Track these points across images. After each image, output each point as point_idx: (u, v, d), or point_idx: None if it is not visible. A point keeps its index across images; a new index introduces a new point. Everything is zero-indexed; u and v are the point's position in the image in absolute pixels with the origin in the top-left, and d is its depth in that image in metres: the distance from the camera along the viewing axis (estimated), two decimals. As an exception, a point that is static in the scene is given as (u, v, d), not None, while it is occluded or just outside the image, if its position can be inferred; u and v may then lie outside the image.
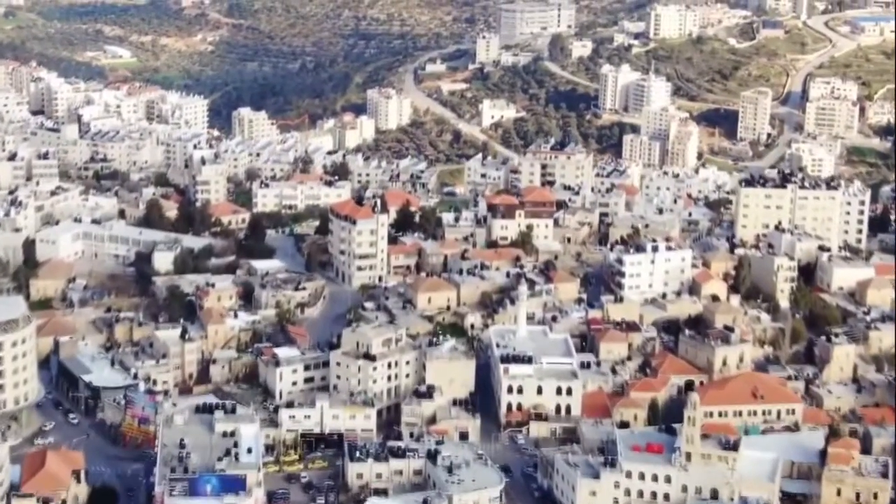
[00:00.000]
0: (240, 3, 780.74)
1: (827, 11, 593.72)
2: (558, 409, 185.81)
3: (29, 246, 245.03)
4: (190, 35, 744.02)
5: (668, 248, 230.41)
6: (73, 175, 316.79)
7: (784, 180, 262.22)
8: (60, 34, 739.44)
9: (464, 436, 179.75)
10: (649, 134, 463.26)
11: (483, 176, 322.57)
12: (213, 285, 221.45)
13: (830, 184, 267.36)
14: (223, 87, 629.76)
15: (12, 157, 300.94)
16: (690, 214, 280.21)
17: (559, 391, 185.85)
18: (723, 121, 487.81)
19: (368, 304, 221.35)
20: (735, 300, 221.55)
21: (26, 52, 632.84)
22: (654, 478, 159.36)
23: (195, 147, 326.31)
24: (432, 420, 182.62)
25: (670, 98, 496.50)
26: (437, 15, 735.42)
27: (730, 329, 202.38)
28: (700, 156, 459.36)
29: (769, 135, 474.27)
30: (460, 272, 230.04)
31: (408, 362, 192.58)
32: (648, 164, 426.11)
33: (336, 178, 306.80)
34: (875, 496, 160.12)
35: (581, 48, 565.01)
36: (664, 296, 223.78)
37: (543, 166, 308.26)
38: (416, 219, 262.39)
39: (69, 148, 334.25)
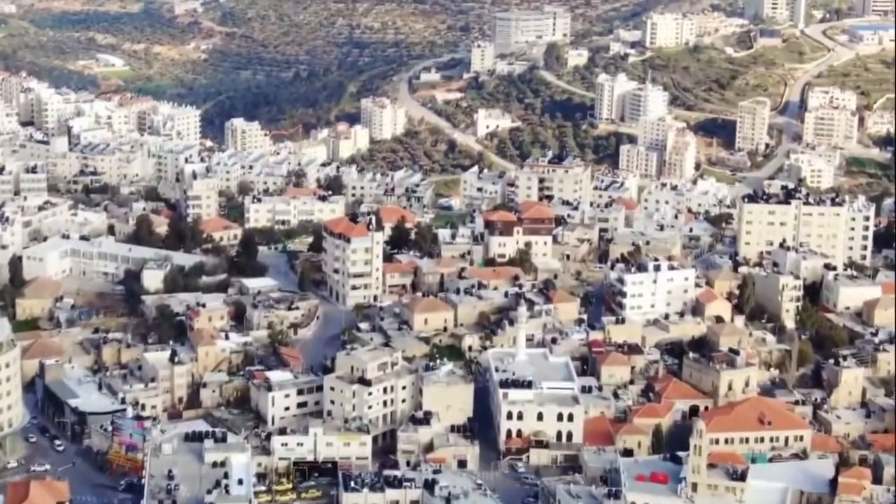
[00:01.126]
0: (233, 12, 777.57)
1: (825, 20, 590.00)
2: (559, 435, 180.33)
3: (15, 263, 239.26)
4: (183, 43, 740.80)
5: (671, 267, 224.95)
6: (62, 189, 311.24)
7: (788, 196, 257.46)
8: (53, 42, 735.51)
9: (462, 464, 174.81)
10: (646, 144, 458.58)
11: (479, 190, 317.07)
12: (203, 305, 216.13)
13: (835, 199, 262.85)
14: (216, 96, 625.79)
15: (0, 171, 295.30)
16: (691, 230, 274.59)
17: (560, 417, 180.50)
18: (720, 131, 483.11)
19: (363, 325, 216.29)
20: (739, 321, 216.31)
21: (18, 61, 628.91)
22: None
23: (187, 160, 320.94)
24: (429, 447, 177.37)
25: (667, 108, 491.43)
26: (431, 23, 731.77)
27: (735, 352, 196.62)
28: (698, 166, 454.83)
29: (767, 145, 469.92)
30: (457, 292, 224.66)
31: (404, 387, 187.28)
32: (646, 175, 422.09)
33: (330, 192, 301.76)
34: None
35: (577, 57, 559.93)
36: (667, 316, 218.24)
37: (541, 180, 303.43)
38: (412, 235, 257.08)
39: (58, 161, 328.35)
